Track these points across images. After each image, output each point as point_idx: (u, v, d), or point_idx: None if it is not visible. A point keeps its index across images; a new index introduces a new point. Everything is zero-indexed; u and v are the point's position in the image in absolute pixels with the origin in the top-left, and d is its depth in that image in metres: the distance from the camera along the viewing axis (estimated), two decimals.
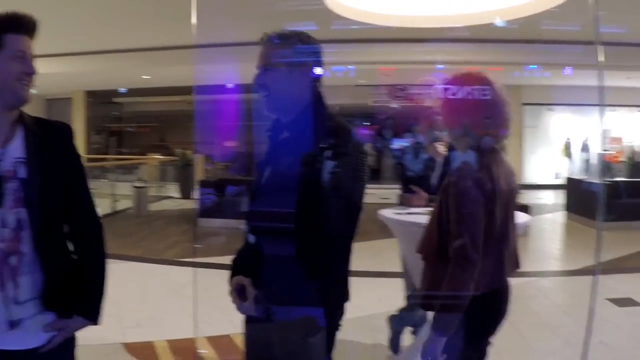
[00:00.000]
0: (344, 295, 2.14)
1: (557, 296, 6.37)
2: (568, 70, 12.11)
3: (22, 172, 1.85)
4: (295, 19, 8.03)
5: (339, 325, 2.13)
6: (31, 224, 1.84)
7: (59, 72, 13.61)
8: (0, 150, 1.86)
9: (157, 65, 13.68)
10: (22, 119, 1.94)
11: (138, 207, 12.01)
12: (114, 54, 12.49)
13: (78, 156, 2.09)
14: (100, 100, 19.99)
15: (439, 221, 2.40)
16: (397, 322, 4.05)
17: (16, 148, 1.88)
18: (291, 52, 2.17)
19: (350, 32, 9.38)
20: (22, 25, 1.87)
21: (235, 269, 2.17)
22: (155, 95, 19.48)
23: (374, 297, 5.42)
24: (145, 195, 12.25)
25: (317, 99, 2.19)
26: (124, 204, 12.41)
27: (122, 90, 18.81)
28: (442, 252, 2.35)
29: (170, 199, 14.60)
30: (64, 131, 2.04)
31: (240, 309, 2.09)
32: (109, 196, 12.09)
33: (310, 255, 2.00)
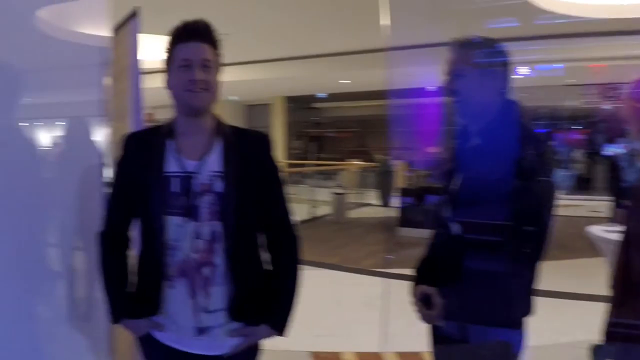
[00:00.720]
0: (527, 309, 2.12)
1: None
2: None
3: (219, 186, 1.98)
4: (496, 15, 7.83)
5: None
6: (225, 237, 1.98)
7: (258, 78, 14.40)
8: (198, 163, 1.99)
9: (356, 69, 13.88)
10: (221, 129, 2.07)
11: (337, 214, 12.44)
12: (312, 59, 12.93)
13: (276, 167, 2.17)
14: (299, 106, 20.79)
15: (629, 240, 2.10)
16: (601, 353, 3.74)
17: (214, 161, 2.01)
18: (480, 57, 2.17)
19: (556, 27, 9.12)
20: (189, 33, 1.98)
21: (420, 277, 2.23)
22: (355, 100, 19.94)
23: (576, 322, 5.11)
24: (345, 202, 12.65)
25: (510, 104, 2.18)
26: (323, 210, 12.86)
27: (321, 95, 19.38)
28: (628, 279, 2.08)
29: (370, 206, 14.84)
30: (263, 142, 2.14)
31: (425, 318, 2.14)
32: (308, 202, 12.58)
33: (521, 269, 2.03)
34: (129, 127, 2.94)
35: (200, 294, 1.97)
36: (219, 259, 1.98)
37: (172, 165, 2.00)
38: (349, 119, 22.33)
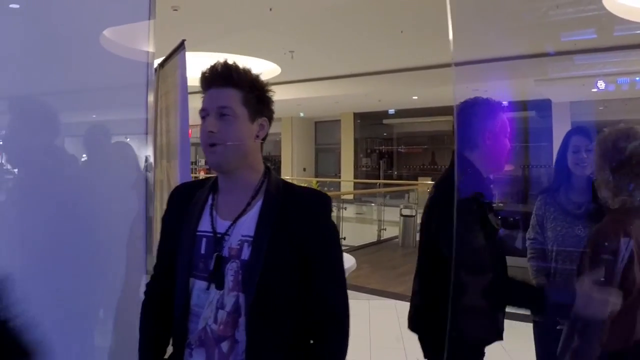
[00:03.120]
0: None
1: None
2: None
3: (246, 253, 1.76)
4: (573, 27, 7.63)
5: None
6: (247, 311, 1.74)
7: (327, 95, 14.41)
8: (229, 224, 1.80)
9: (425, 86, 13.79)
10: (267, 186, 1.85)
11: (403, 237, 12.03)
12: (381, 75, 12.87)
13: (328, 236, 1.90)
14: (368, 122, 20.70)
15: None
16: None
17: (247, 223, 1.79)
18: None
19: (637, 37, 8.85)
20: (207, 80, 1.81)
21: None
22: (425, 116, 19.61)
23: None
24: (413, 225, 12.22)
25: None
26: (390, 232, 12.55)
27: (391, 111, 19.26)
28: None
29: None
30: (315, 204, 1.87)
31: None
32: (375, 222, 12.30)
33: None
34: (177, 168, 2.87)
35: None
36: (240, 335, 1.75)
37: (205, 224, 1.82)
38: (418, 135, 22.01)
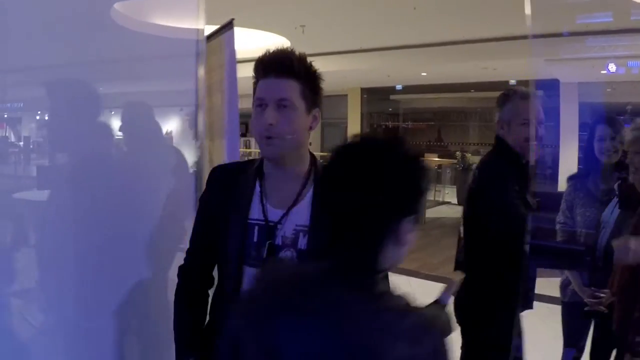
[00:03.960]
0: None
1: None
2: None
3: (302, 242, 1.77)
4: (588, 9, 7.63)
5: None
6: None
7: (334, 70, 14.32)
8: (282, 213, 1.79)
9: (435, 62, 13.65)
10: (315, 175, 1.85)
11: None
12: (390, 51, 12.77)
13: None
14: (375, 97, 20.60)
15: None
16: None
17: (300, 213, 1.79)
18: None
19: None
20: (265, 67, 1.76)
21: None
22: (432, 92, 19.57)
23: None
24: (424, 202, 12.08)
25: None
26: None
27: (399, 87, 19.15)
28: None
29: (448, 204, 14.49)
30: None
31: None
32: None
33: None
34: (224, 147, 2.82)
35: None
36: None
37: (255, 212, 1.81)
38: (425, 111, 21.94)
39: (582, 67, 13.36)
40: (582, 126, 17.01)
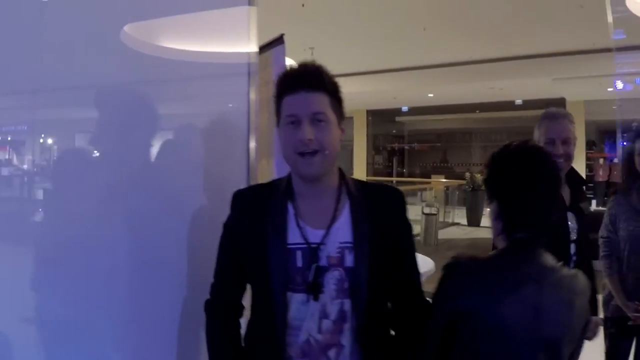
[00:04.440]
0: None
1: None
2: None
3: (349, 260, 1.71)
4: (594, 27, 7.70)
5: None
6: (355, 316, 1.72)
7: (342, 92, 14.37)
8: (323, 233, 1.73)
9: (443, 83, 13.78)
10: (347, 188, 1.80)
11: (426, 236, 11.86)
12: (398, 73, 12.85)
13: (409, 227, 1.89)
14: (381, 119, 20.70)
15: None
16: None
17: (342, 230, 1.74)
18: None
19: None
20: (295, 81, 1.71)
21: None
22: (437, 114, 19.66)
23: None
24: (435, 222, 12.08)
25: None
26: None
27: (404, 109, 19.23)
28: None
29: (458, 225, 14.45)
30: (395, 200, 1.85)
31: None
32: None
33: None
34: (273, 167, 2.78)
35: None
36: (346, 340, 1.73)
37: (294, 236, 1.73)
38: (430, 133, 22.04)
39: (588, 85, 13.43)
40: (588, 143, 17.12)
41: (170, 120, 2.51)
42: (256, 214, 1.78)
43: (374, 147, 21.14)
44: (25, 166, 2.23)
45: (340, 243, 1.72)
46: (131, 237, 2.25)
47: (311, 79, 1.70)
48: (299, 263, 1.71)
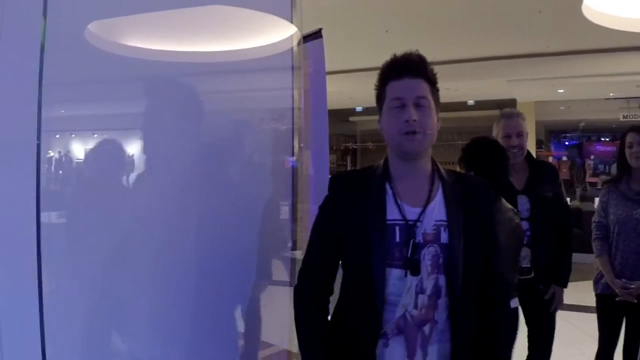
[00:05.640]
0: None
1: None
2: None
3: (444, 237, 1.82)
4: (550, 31, 8.48)
5: None
6: (449, 292, 1.82)
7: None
8: (419, 211, 1.83)
9: None
10: (439, 173, 1.93)
11: None
12: (355, 73, 12.88)
13: (493, 214, 2.08)
14: (334, 119, 20.69)
15: None
16: None
17: (437, 209, 1.85)
18: None
19: (605, 41, 9.69)
20: (400, 68, 1.85)
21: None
22: None
23: None
24: None
25: None
26: None
27: (358, 109, 19.28)
28: None
29: None
30: (484, 190, 2.01)
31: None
32: None
33: None
34: (309, 159, 2.89)
35: (418, 354, 1.81)
36: (439, 316, 1.83)
37: (393, 212, 1.83)
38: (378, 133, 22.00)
39: (539, 86, 13.80)
40: (538, 142, 17.51)
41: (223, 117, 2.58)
42: (356, 193, 1.88)
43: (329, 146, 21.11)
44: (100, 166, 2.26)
45: (436, 221, 1.83)
46: (202, 238, 2.34)
47: (416, 67, 1.85)
48: (397, 238, 1.80)
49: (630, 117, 16.33)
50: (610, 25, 7.63)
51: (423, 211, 1.83)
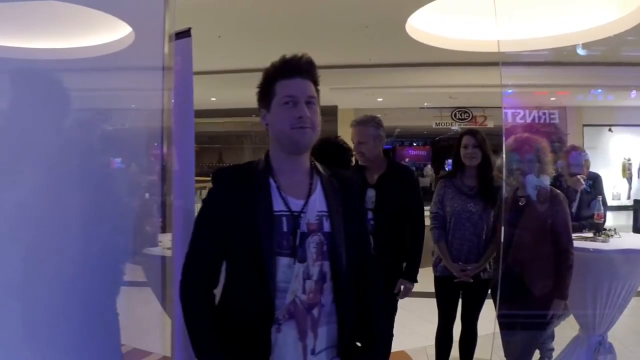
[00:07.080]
0: None
1: None
2: (634, 93, 11.23)
3: (327, 226, 1.90)
4: (376, 45, 10.16)
5: None
6: (334, 276, 1.90)
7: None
8: (303, 202, 1.89)
9: (226, 88, 14.39)
10: (317, 168, 2.00)
11: None
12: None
13: (360, 206, 2.36)
14: None
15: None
16: None
17: (318, 200, 1.93)
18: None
19: (424, 56, 10.58)
20: (292, 69, 1.89)
21: None
22: (218, 117, 19.82)
23: None
24: None
25: None
26: None
27: None
28: None
29: None
30: (352, 182, 2.14)
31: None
32: None
33: None
34: (173, 154, 2.79)
35: (309, 336, 1.87)
36: (326, 299, 1.89)
37: (278, 204, 1.87)
38: (211, 135, 21.22)
39: (360, 95, 15.20)
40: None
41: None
42: (241, 186, 1.90)
43: None
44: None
45: (318, 212, 1.91)
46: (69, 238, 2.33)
47: (307, 69, 1.92)
48: (285, 228, 1.86)
49: (442, 124, 18.88)
50: (429, 43, 8.90)
51: (306, 203, 1.88)
